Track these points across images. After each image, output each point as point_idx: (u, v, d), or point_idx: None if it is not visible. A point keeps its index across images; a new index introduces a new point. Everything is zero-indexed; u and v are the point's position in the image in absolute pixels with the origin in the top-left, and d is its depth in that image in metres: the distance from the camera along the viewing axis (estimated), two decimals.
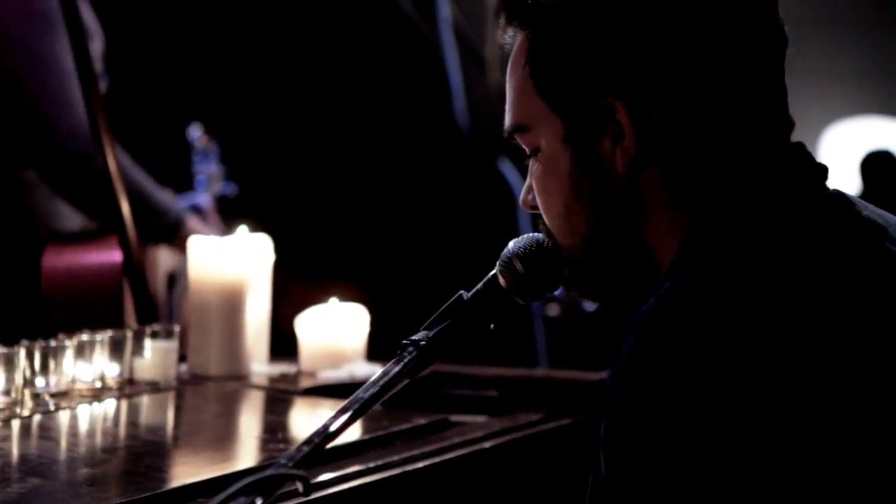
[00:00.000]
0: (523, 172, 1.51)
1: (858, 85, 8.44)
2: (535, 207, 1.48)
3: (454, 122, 4.88)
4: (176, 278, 3.19)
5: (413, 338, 1.50)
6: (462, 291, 1.53)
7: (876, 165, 7.12)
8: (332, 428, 1.36)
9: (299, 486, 1.28)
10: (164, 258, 3.10)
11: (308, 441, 1.33)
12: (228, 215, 3.51)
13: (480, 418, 2.18)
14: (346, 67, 5.22)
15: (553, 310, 4.58)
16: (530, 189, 1.48)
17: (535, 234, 1.51)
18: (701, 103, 1.36)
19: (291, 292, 2.76)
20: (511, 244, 1.53)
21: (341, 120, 5.25)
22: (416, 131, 5.25)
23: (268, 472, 1.25)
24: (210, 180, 3.62)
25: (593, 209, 1.41)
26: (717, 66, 1.36)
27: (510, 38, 1.46)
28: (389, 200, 5.28)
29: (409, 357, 1.48)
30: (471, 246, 4.91)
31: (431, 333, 1.50)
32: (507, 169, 4.78)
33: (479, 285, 1.53)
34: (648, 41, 1.36)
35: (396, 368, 1.46)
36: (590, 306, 4.52)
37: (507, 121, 1.47)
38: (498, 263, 1.53)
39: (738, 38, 1.37)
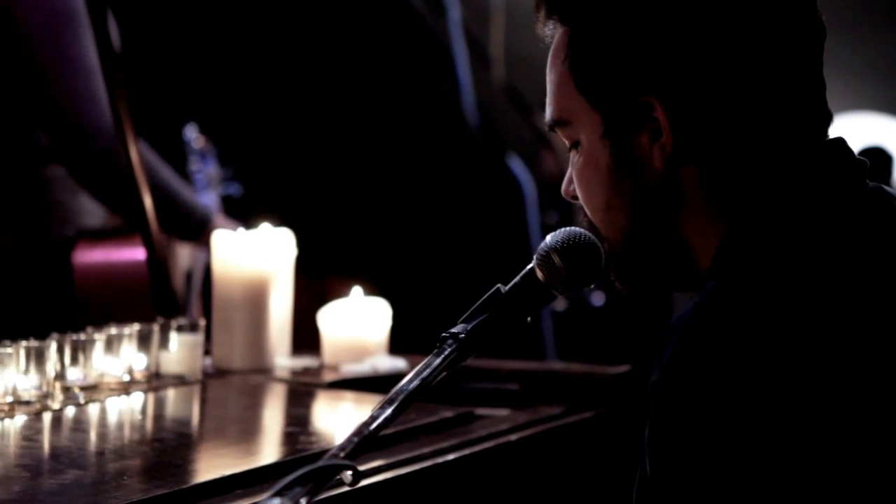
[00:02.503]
0: (531, 167, 1.53)
1: (851, 82, 8.45)
2: (575, 197, 1.49)
3: (463, 118, 4.89)
4: (192, 276, 3.20)
5: (452, 330, 1.50)
6: (499, 285, 1.54)
7: (868, 162, 7.14)
8: (380, 419, 1.37)
9: (348, 477, 1.30)
10: (183, 255, 3.10)
11: (357, 432, 1.34)
12: (236, 215, 3.52)
13: (503, 411, 2.19)
14: (358, 66, 5.23)
15: (560, 304, 4.59)
16: (571, 180, 1.49)
17: (573, 227, 1.52)
18: (739, 101, 1.37)
19: (300, 289, 2.77)
20: (549, 238, 1.53)
21: (352, 118, 5.26)
22: (426, 127, 5.27)
23: (321, 463, 1.25)
24: (210, 181, 3.62)
25: (632, 204, 1.42)
26: (757, 64, 1.37)
27: (550, 31, 1.47)
28: (399, 196, 5.28)
29: (448, 349, 1.49)
30: (479, 239, 4.94)
31: (470, 326, 1.50)
32: (516, 164, 4.80)
33: (517, 279, 1.53)
34: (686, 39, 1.36)
35: (437, 361, 1.47)
36: (598, 301, 4.54)
37: (548, 114, 1.48)
38: (535, 257, 1.53)
39: (778, 34, 1.37)
